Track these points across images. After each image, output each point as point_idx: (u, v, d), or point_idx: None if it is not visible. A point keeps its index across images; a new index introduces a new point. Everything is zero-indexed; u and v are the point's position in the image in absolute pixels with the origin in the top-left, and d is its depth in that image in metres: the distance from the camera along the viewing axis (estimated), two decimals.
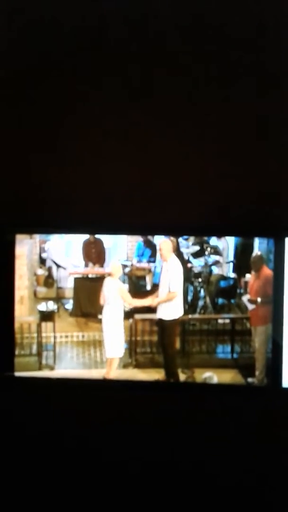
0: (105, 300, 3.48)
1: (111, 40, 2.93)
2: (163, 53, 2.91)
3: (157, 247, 3.60)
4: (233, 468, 2.98)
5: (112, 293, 3.47)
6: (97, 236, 3.67)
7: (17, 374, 3.07)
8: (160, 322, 3.43)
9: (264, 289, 3.11)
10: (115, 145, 2.98)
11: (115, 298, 3.45)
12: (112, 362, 3.44)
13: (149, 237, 3.60)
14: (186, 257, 3.70)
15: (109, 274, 3.52)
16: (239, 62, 2.88)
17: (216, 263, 3.72)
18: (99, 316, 3.70)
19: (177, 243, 3.55)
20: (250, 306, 3.25)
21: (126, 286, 3.51)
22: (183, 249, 3.68)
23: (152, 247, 3.66)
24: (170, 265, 3.44)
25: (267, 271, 3.08)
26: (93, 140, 2.99)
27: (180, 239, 3.60)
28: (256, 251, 3.23)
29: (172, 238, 3.49)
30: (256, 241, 3.41)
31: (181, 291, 3.45)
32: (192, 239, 3.54)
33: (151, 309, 3.43)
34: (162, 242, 3.45)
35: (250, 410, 2.95)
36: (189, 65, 2.89)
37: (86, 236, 3.67)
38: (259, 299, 3.18)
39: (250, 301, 3.23)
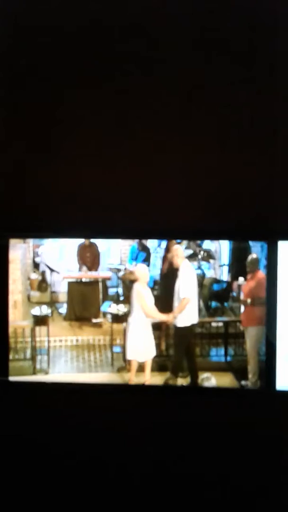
0: (132, 304, 3.47)
1: (109, 41, 2.95)
2: (162, 53, 2.93)
3: (164, 253, 3.57)
4: (229, 470, 2.99)
5: (134, 298, 3.46)
6: (92, 240, 3.67)
7: (11, 378, 3.08)
8: (174, 328, 3.43)
9: (256, 290, 3.14)
10: (110, 149, 2.99)
11: (137, 303, 3.45)
12: (145, 365, 3.42)
13: (143, 241, 3.59)
14: None
15: (135, 279, 3.49)
16: (238, 63, 2.90)
17: (209, 263, 3.72)
18: (94, 320, 3.71)
19: None
20: (242, 308, 3.31)
21: (148, 294, 3.45)
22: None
23: (146, 250, 3.66)
24: (182, 271, 3.42)
25: (261, 274, 3.10)
26: (88, 145, 3.00)
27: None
28: (253, 254, 3.24)
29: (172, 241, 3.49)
30: (250, 245, 3.43)
31: (195, 297, 3.43)
32: (185, 242, 3.54)
33: None
34: (176, 248, 3.45)
35: (245, 412, 2.96)
36: (189, 66, 2.91)
37: (80, 240, 3.66)
38: (248, 300, 3.20)
39: (242, 302, 3.28)
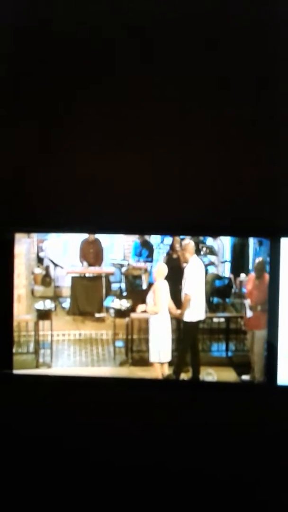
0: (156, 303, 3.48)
1: (108, 41, 2.96)
2: (162, 53, 2.94)
3: (173, 248, 3.58)
4: (230, 465, 3.01)
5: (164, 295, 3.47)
6: (95, 235, 3.69)
7: (15, 371, 3.11)
8: (180, 323, 3.46)
9: (264, 296, 3.13)
10: (114, 145, 3.01)
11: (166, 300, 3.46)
12: (163, 366, 3.45)
13: (146, 237, 3.62)
14: None
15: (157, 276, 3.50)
16: (238, 63, 2.91)
17: (212, 263, 3.74)
18: (96, 315, 3.74)
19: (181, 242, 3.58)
20: (250, 313, 3.30)
21: (165, 288, 3.46)
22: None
23: (149, 246, 3.68)
24: (189, 267, 3.45)
25: (268, 277, 3.11)
26: (92, 140, 3.01)
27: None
28: (259, 257, 3.26)
29: (176, 238, 3.51)
30: (251, 241, 3.44)
31: (202, 294, 3.45)
32: (187, 239, 3.56)
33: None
34: (186, 244, 3.47)
35: (247, 406, 2.99)
36: (188, 66, 2.92)
37: (84, 236, 3.68)
38: (259, 307, 3.21)
39: (251, 307, 3.28)
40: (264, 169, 2.93)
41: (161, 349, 3.44)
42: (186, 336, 3.45)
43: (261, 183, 2.93)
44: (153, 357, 3.43)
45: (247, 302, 3.29)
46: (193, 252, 3.45)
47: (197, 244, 3.65)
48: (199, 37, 2.92)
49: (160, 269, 3.48)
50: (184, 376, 3.33)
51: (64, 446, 3.10)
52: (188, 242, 3.45)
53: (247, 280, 3.38)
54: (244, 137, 2.94)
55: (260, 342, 3.19)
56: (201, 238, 3.63)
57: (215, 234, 3.52)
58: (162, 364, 3.41)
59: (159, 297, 3.44)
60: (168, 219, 3.02)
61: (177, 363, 3.38)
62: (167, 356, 3.42)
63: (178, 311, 3.39)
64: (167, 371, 3.37)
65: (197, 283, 3.45)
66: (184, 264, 3.45)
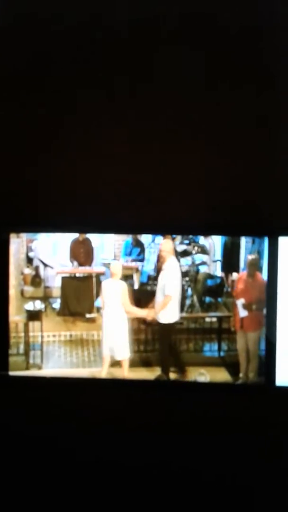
0: (104, 302, 3.48)
1: (109, 41, 2.94)
2: (162, 54, 2.94)
3: (155, 248, 3.58)
4: (228, 466, 3.02)
5: (113, 295, 3.46)
6: (85, 235, 3.66)
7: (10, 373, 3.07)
8: (156, 325, 3.45)
9: (259, 295, 3.15)
10: (108, 145, 3.00)
11: (118, 299, 3.45)
12: (123, 363, 3.43)
13: (138, 236, 3.60)
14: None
15: (111, 275, 3.51)
16: (238, 62, 2.92)
17: (203, 262, 3.74)
18: (87, 315, 3.70)
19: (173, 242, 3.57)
20: (244, 313, 3.28)
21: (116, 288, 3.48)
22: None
23: (140, 246, 3.66)
24: (167, 267, 3.45)
25: (260, 276, 3.11)
26: (87, 140, 2.99)
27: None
28: (252, 255, 3.26)
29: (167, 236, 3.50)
30: (243, 240, 3.45)
31: (178, 296, 3.46)
32: (179, 238, 3.54)
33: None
34: (164, 242, 3.45)
35: (244, 408, 3.00)
36: (188, 65, 2.92)
37: (74, 235, 3.65)
38: (254, 306, 3.21)
39: (245, 306, 3.26)
40: (261, 168, 2.95)
41: (113, 346, 3.44)
42: (163, 338, 3.43)
43: (258, 182, 2.95)
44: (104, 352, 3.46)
45: (240, 301, 3.28)
46: (172, 252, 3.44)
47: (188, 243, 3.65)
48: (199, 37, 2.93)
49: (120, 269, 3.52)
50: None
51: (58, 447, 3.08)
52: (165, 241, 3.44)
53: (237, 279, 3.38)
54: (242, 136, 2.95)
55: (256, 343, 3.19)
56: (193, 237, 3.63)
57: (210, 234, 3.52)
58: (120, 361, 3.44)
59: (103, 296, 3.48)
60: (161, 218, 3.02)
61: (162, 365, 3.37)
62: (122, 353, 3.44)
63: (146, 312, 3.38)
64: (127, 369, 3.40)
65: (177, 284, 3.45)
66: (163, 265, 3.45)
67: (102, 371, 3.39)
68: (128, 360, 3.43)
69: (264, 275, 3.08)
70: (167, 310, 3.38)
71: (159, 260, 3.47)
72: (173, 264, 3.45)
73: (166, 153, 2.99)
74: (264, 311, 3.07)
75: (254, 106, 2.94)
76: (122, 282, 3.49)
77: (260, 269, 3.16)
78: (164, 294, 3.40)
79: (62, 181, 3.03)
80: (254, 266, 3.22)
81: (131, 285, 3.59)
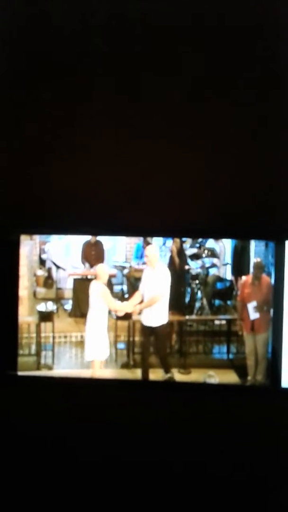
0: (89, 303, 3.54)
1: (109, 42, 2.97)
2: (162, 54, 2.96)
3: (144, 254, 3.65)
4: (233, 468, 3.02)
5: (95, 296, 3.52)
6: (97, 237, 3.70)
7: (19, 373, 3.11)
8: (148, 329, 3.49)
9: (267, 297, 3.15)
10: (116, 147, 3.02)
11: (99, 301, 3.51)
12: (94, 363, 3.50)
13: (148, 239, 3.64)
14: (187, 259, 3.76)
15: (95, 277, 3.57)
16: (238, 62, 2.93)
17: (213, 265, 3.77)
18: None
19: (181, 245, 3.60)
20: (255, 315, 3.30)
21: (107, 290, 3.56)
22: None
23: None
24: (157, 271, 3.50)
25: (267, 279, 3.12)
26: (95, 143, 3.02)
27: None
28: (257, 258, 3.28)
29: (176, 239, 3.54)
30: (252, 244, 3.47)
31: (167, 297, 3.50)
32: (189, 241, 3.58)
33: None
34: (149, 248, 3.52)
35: (250, 409, 3.00)
36: (188, 65, 2.94)
37: (86, 238, 3.70)
38: (265, 307, 3.22)
39: (257, 309, 3.28)
40: (268, 171, 2.95)
41: (98, 347, 3.51)
42: (158, 340, 3.49)
43: (265, 185, 2.95)
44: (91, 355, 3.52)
45: (252, 304, 3.30)
46: (157, 259, 3.49)
47: (199, 246, 3.69)
48: (199, 37, 2.94)
49: (105, 272, 3.61)
50: (186, 378, 3.34)
51: (66, 446, 3.10)
52: (149, 247, 3.49)
53: (243, 283, 3.39)
54: (248, 138, 2.96)
55: (264, 345, 3.20)
56: (203, 240, 3.66)
57: (218, 237, 3.54)
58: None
59: (110, 296, 3.54)
60: (170, 221, 3.03)
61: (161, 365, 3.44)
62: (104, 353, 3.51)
63: (137, 307, 3.46)
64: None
65: (167, 288, 3.50)
66: (150, 270, 3.52)
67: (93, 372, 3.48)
68: (105, 361, 3.52)
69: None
70: (153, 311, 3.42)
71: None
72: (162, 268, 3.53)
73: (175, 156, 3.00)
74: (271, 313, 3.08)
75: (257, 107, 2.94)
76: (101, 284, 3.54)
77: (266, 272, 3.18)
78: (156, 293, 3.44)
79: (73, 184, 3.06)
80: (260, 269, 3.23)
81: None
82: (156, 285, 3.47)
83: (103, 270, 3.59)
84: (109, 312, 3.53)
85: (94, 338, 3.51)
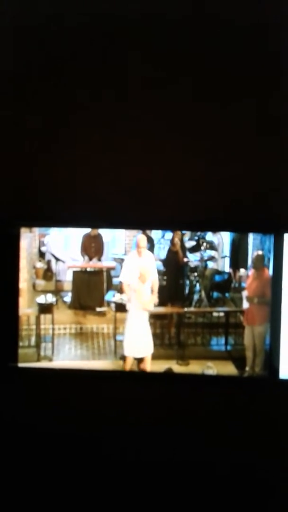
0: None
1: (110, 43, 2.98)
2: (163, 53, 2.97)
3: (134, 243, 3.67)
4: (231, 458, 3.05)
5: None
6: (97, 230, 3.72)
7: (20, 365, 3.13)
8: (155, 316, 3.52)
9: (262, 289, 3.18)
10: (116, 141, 3.03)
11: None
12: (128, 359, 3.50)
13: (147, 232, 3.65)
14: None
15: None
16: (239, 62, 2.94)
17: (211, 258, 3.79)
18: (97, 309, 3.77)
19: (182, 238, 3.62)
20: (246, 304, 3.32)
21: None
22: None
23: (150, 241, 3.72)
24: (147, 258, 3.52)
25: (267, 272, 3.14)
26: (94, 137, 3.03)
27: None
28: (258, 251, 3.29)
29: (178, 232, 3.55)
30: (250, 237, 3.48)
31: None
32: (188, 234, 3.60)
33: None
34: (142, 239, 3.53)
35: (249, 400, 3.03)
36: (189, 65, 2.95)
37: (85, 230, 3.71)
38: (256, 299, 3.25)
39: (248, 299, 3.30)
40: (268, 165, 2.96)
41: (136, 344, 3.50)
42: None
43: (264, 179, 2.97)
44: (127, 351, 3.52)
45: (244, 293, 3.31)
46: (144, 247, 3.54)
47: (197, 239, 3.70)
48: (199, 36, 2.95)
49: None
50: (184, 369, 3.37)
51: (66, 436, 3.12)
52: (143, 236, 3.52)
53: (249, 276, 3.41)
54: (247, 133, 2.97)
55: (261, 336, 3.22)
56: (201, 233, 3.67)
57: (218, 230, 3.56)
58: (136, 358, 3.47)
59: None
60: (169, 214, 3.05)
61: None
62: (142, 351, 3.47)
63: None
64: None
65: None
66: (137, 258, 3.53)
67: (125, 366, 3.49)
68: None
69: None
70: (145, 295, 3.49)
71: (179, 255, 3.55)
72: (150, 255, 3.54)
73: (174, 150, 3.01)
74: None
75: (256, 104, 2.95)
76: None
77: (266, 265, 3.20)
78: (152, 279, 3.48)
79: (73, 177, 3.07)
80: (260, 262, 3.24)
81: None
82: (153, 269, 3.50)
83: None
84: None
85: (139, 335, 3.49)
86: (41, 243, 3.85)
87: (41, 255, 3.88)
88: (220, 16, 2.92)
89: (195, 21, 2.94)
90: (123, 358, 3.45)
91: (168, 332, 3.55)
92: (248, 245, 3.53)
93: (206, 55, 2.94)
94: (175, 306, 3.58)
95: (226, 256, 3.79)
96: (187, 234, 3.60)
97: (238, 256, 3.64)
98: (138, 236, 3.52)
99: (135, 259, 3.49)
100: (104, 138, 3.03)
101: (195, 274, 3.77)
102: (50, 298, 3.58)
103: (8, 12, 3.03)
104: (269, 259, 3.02)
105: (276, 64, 2.94)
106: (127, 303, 3.48)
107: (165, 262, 3.65)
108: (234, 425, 3.04)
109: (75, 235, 3.77)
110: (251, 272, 3.35)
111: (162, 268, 3.63)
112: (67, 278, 3.94)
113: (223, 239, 3.77)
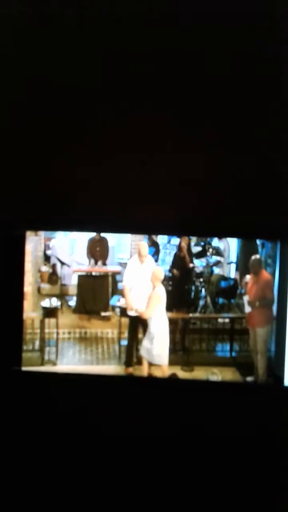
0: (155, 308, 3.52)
1: (116, 42, 2.98)
2: (165, 52, 2.96)
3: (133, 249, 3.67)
4: (235, 466, 3.04)
5: (162, 300, 3.48)
6: (102, 234, 3.72)
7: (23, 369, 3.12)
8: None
9: (262, 293, 3.17)
10: (121, 145, 3.03)
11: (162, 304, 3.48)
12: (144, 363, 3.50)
13: (153, 237, 3.65)
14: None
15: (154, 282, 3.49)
16: (239, 60, 2.93)
17: (217, 263, 3.78)
18: (102, 314, 3.76)
19: (189, 243, 3.62)
20: (248, 308, 3.31)
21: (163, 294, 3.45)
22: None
23: (155, 246, 3.72)
24: (149, 264, 3.51)
25: (266, 275, 3.13)
26: (99, 141, 3.03)
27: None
28: (255, 255, 3.28)
29: (185, 237, 3.55)
30: (258, 243, 3.47)
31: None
32: (194, 240, 3.59)
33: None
34: (145, 246, 3.53)
35: (252, 408, 3.01)
36: (189, 64, 2.95)
37: (91, 234, 3.71)
38: (257, 303, 3.24)
39: (250, 303, 3.29)
40: (273, 171, 2.96)
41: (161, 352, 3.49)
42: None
43: (270, 185, 2.96)
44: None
45: (245, 298, 3.31)
46: (145, 254, 3.54)
47: (203, 245, 3.70)
48: (199, 36, 2.95)
49: (157, 273, 3.50)
50: (188, 375, 3.36)
51: (69, 441, 3.11)
52: (140, 243, 3.51)
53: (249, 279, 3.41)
54: (251, 137, 2.96)
55: (264, 339, 3.22)
56: (207, 239, 3.67)
57: (223, 236, 3.55)
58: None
59: (153, 303, 3.44)
60: (176, 219, 3.04)
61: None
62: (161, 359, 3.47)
63: None
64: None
65: None
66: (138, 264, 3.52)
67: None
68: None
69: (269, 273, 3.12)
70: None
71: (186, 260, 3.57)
72: (151, 260, 3.55)
73: (180, 154, 3.00)
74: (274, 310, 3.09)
75: (259, 106, 2.94)
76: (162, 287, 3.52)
77: (264, 267, 3.20)
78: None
79: (79, 180, 3.07)
80: (257, 265, 3.24)
81: None
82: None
83: (161, 273, 3.53)
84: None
85: (162, 342, 3.48)
86: (47, 247, 3.86)
87: (47, 258, 3.88)
88: (220, 16, 2.92)
89: (195, 21, 2.94)
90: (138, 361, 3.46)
91: (173, 338, 3.54)
92: (256, 251, 3.53)
93: (206, 55, 2.94)
94: (180, 312, 3.57)
95: (232, 262, 3.79)
96: (193, 240, 3.59)
97: (244, 262, 3.63)
98: (139, 243, 3.52)
99: (137, 266, 3.50)
100: (110, 141, 3.03)
101: (201, 279, 3.77)
102: (54, 302, 3.58)
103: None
104: (265, 262, 3.02)
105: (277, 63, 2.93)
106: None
107: (171, 267, 3.65)
108: (237, 431, 3.02)
109: (81, 239, 3.77)
110: (249, 277, 3.34)
111: (168, 273, 3.63)
112: (72, 282, 3.94)
113: (229, 244, 3.77)
